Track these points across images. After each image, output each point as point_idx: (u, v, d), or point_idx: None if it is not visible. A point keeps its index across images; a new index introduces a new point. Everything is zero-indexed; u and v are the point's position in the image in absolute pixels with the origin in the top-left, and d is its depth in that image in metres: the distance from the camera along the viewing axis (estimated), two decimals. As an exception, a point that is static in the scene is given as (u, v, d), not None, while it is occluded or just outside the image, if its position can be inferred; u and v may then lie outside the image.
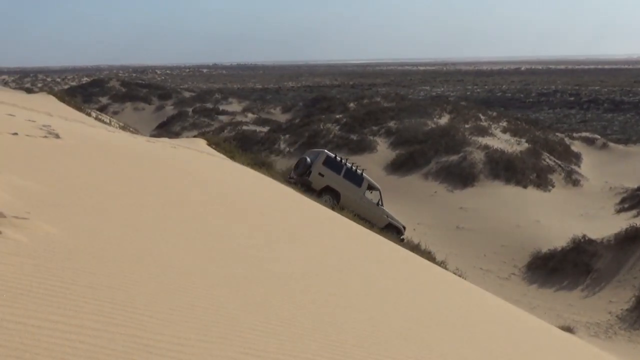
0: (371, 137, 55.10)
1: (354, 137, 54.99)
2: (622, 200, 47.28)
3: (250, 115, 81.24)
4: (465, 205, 44.04)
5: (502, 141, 54.67)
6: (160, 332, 3.41)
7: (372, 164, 51.29)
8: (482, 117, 61.57)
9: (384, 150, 53.43)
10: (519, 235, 39.30)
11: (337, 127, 57.40)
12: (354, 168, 26.17)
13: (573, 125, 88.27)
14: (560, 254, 36.74)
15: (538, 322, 12.04)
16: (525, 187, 48.10)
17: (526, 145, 54.69)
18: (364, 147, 53.61)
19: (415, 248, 25.28)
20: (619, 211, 45.43)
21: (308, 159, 25.87)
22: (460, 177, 48.19)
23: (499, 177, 48.51)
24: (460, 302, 9.55)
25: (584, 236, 37.42)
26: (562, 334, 12.61)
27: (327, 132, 56.49)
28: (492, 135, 56.08)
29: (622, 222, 39.62)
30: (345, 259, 8.78)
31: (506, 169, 49.18)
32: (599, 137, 65.56)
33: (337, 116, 61.31)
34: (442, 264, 24.25)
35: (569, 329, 24.52)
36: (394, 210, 42.20)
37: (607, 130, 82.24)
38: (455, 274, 19.85)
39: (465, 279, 19.05)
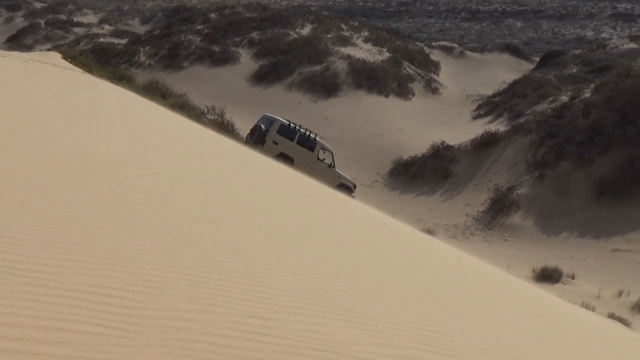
0: (234, 49, 54.32)
1: (216, 48, 54.05)
2: (478, 107, 49.14)
3: (107, 27, 78.33)
4: (329, 115, 44.49)
5: (364, 51, 55.17)
6: None
7: (236, 76, 50.74)
8: (344, 27, 61.72)
9: (247, 62, 52.88)
10: (382, 143, 40.22)
11: (198, 39, 56.18)
12: (307, 134, 27.06)
13: (432, 34, 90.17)
14: (421, 161, 37.98)
15: (399, 225, 12.47)
16: (387, 96, 49.00)
17: (387, 54, 55.44)
18: (226, 58, 52.86)
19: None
20: (475, 117, 47.24)
21: (263, 127, 26.66)
22: (324, 87, 48.49)
23: (361, 86, 49.13)
24: (328, 211, 9.73)
25: (442, 142, 38.78)
26: (422, 236, 13.13)
27: (188, 43, 55.21)
28: (354, 45, 56.45)
29: (478, 128, 41.26)
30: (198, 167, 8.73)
31: (368, 79, 49.82)
32: (456, 45, 67.24)
33: (198, 27, 59.87)
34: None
35: (429, 231, 25.59)
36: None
37: (464, 39, 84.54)
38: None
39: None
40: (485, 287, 7.37)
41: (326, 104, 46.56)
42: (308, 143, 27.10)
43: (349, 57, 52.16)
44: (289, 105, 46.23)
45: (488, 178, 35.69)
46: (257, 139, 26.32)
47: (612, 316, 17.73)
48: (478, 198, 34.08)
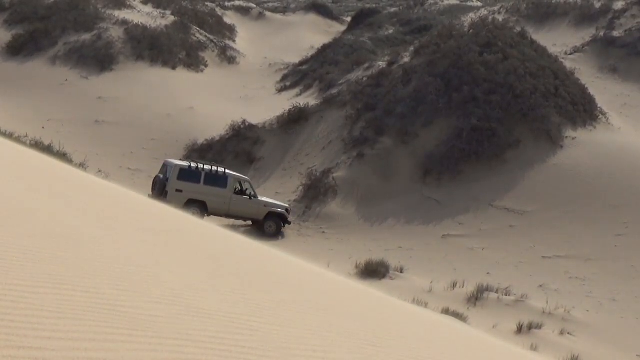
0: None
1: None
2: (284, 78, 49.81)
3: None
4: (105, 94, 43.56)
5: (143, 14, 54.39)
6: None
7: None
8: (117, -15, 60.54)
9: (-4, 31, 50.82)
10: (171, 125, 39.88)
11: None
12: (214, 170, 27.74)
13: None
14: (219, 144, 38.04)
15: (199, 223, 12.43)
16: (174, 68, 48.67)
17: (172, 18, 55.00)
18: (-30, 27, 50.49)
19: (47, 150, 24.87)
20: (280, 90, 47.83)
21: (161, 176, 27.48)
22: (96, 60, 47.45)
23: (142, 57, 48.48)
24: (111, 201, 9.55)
25: (244, 122, 39.00)
26: (225, 233, 13.14)
27: None
28: (130, 7, 55.53)
29: (284, 103, 41.80)
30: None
31: (151, 48, 49.25)
32: (254, 5, 67.68)
33: None
34: (82, 167, 23.97)
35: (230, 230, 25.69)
36: (14, 104, 40.60)
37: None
38: (98, 176, 19.71)
39: (110, 181, 18.99)
40: (304, 289, 7.47)
41: (100, 81, 45.56)
42: (218, 180, 27.89)
43: (125, 22, 51.30)
44: (53, 83, 44.84)
45: (299, 161, 36.30)
46: (159, 191, 26.90)
47: (447, 311, 18.60)
48: (289, 185, 34.60)
